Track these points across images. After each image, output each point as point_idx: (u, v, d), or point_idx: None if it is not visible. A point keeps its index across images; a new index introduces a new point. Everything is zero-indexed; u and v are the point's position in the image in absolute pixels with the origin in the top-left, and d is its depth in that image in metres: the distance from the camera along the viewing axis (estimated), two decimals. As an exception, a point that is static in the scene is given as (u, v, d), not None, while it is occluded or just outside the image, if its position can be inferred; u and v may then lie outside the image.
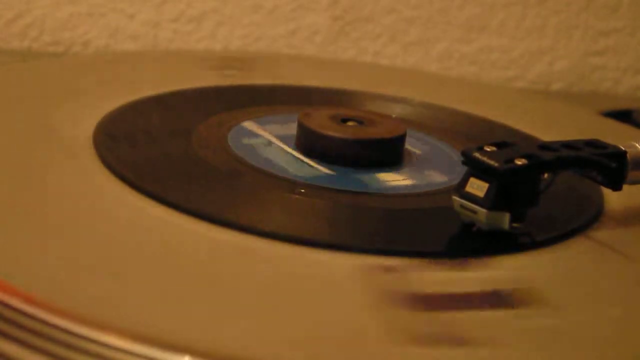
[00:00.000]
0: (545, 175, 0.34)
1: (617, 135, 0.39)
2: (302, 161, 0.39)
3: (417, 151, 0.42)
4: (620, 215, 0.38)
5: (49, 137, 0.38)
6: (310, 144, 0.40)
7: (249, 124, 0.43)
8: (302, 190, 0.36)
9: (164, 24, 0.66)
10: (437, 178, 0.39)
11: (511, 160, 0.32)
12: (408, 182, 0.39)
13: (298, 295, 0.29)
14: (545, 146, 0.34)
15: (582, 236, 0.35)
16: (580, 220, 0.36)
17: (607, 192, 0.37)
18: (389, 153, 0.40)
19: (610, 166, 0.35)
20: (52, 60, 0.58)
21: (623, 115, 0.57)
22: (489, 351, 0.26)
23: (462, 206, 0.33)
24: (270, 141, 0.41)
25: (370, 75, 0.57)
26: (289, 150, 0.40)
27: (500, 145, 0.33)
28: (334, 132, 0.40)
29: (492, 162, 0.32)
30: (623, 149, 0.35)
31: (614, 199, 0.38)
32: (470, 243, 0.33)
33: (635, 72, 0.73)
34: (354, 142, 0.39)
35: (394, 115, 0.47)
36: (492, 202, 0.32)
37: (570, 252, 0.34)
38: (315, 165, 0.39)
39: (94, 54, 0.65)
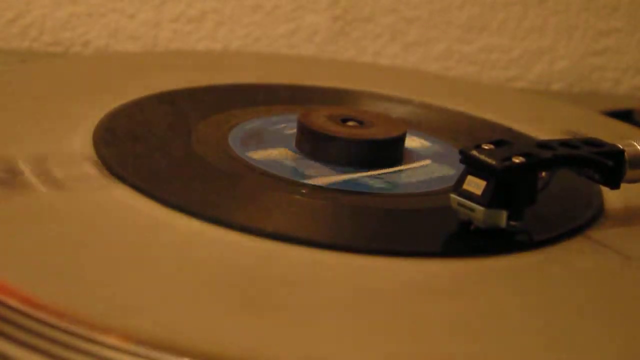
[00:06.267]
0: (543, 174, 0.34)
1: (617, 135, 0.39)
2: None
3: (417, 151, 0.42)
4: (620, 215, 0.38)
5: (49, 137, 0.38)
6: (310, 144, 0.40)
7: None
8: (303, 191, 0.36)
9: (164, 24, 0.66)
10: (437, 178, 0.39)
11: (509, 159, 0.32)
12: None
13: (297, 295, 0.29)
14: (543, 144, 0.34)
15: (582, 236, 0.35)
16: (580, 220, 0.36)
17: (606, 191, 0.37)
18: (389, 153, 0.40)
19: (607, 164, 0.35)
20: (52, 60, 0.58)
21: (623, 115, 0.57)
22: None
23: (459, 204, 0.33)
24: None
25: (370, 75, 0.57)
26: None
27: (498, 143, 0.33)
28: (334, 132, 0.40)
29: (489, 160, 0.32)
30: (621, 147, 0.35)
31: (613, 199, 0.38)
32: (468, 242, 0.33)
33: (635, 72, 0.73)
34: (354, 142, 0.39)
35: (394, 116, 0.47)
36: (489, 200, 0.32)
37: (569, 252, 0.34)
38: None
39: (94, 54, 0.65)
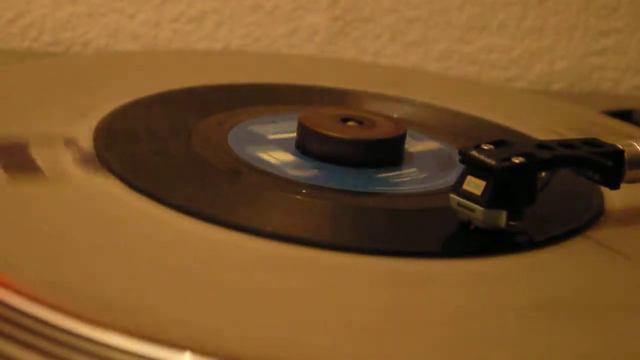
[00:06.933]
0: (543, 174, 0.34)
1: (617, 135, 0.39)
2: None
3: (417, 151, 0.42)
4: (620, 215, 0.38)
5: (49, 137, 0.38)
6: (310, 144, 0.40)
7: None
8: (303, 191, 0.36)
9: (164, 24, 0.66)
10: (437, 178, 0.39)
11: (508, 159, 0.32)
12: (408, 182, 0.39)
13: (298, 295, 0.29)
14: (542, 145, 0.34)
15: (582, 236, 0.35)
16: (580, 220, 0.36)
17: (607, 191, 0.37)
18: (389, 153, 0.40)
19: (607, 165, 0.35)
20: (52, 60, 0.58)
21: (623, 115, 0.57)
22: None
23: (459, 204, 0.33)
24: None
25: (370, 75, 0.57)
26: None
27: (497, 143, 0.33)
28: (334, 132, 0.40)
29: (489, 160, 0.32)
30: (620, 147, 0.35)
31: (613, 199, 0.38)
32: (468, 242, 0.33)
33: (635, 72, 0.73)
34: (354, 142, 0.39)
35: (394, 115, 0.47)
36: (488, 200, 0.32)
37: (569, 252, 0.34)
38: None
39: (94, 54, 0.65)
